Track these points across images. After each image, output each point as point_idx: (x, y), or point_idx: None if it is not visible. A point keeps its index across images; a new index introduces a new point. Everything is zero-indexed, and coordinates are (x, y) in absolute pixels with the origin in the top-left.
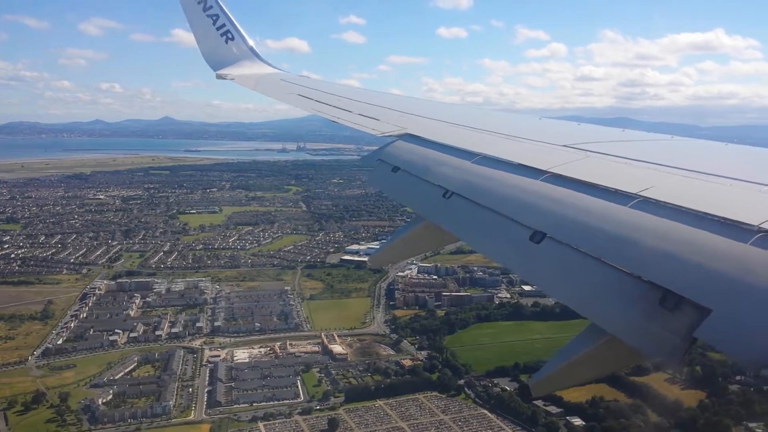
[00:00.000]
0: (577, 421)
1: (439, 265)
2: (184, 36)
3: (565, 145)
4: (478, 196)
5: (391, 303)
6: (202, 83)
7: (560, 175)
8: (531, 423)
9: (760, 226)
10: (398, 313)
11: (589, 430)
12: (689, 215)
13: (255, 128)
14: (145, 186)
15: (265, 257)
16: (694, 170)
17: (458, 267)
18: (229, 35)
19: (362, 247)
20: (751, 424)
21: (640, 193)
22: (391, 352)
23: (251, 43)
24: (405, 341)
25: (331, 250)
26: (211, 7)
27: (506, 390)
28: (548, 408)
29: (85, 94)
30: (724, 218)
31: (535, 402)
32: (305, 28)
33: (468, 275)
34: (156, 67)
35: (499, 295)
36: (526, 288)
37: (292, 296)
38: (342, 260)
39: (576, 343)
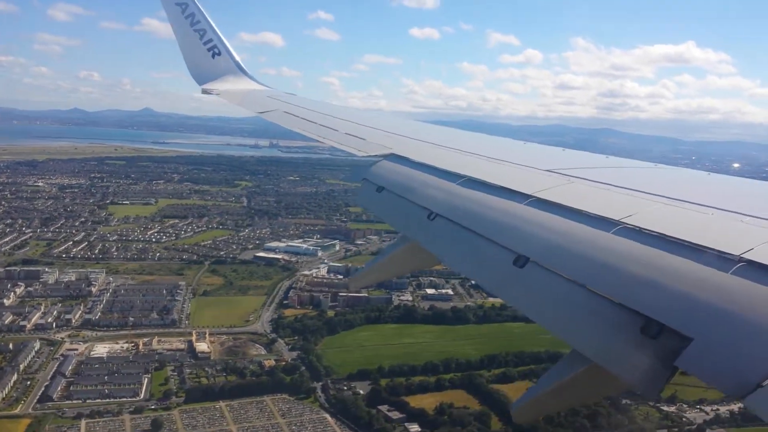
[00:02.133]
0: (414, 428)
1: (350, 265)
2: (156, 25)
3: (549, 170)
4: (463, 219)
5: (285, 302)
6: (183, 75)
7: (544, 200)
8: (367, 428)
9: (742, 255)
10: (288, 312)
11: None
12: (671, 243)
13: (236, 123)
14: (91, 175)
15: (176, 251)
16: (677, 198)
17: None
18: (216, 50)
19: (281, 245)
20: None
21: (623, 220)
22: (263, 352)
23: (238, 59)
24: (281, 341)
25: (250, 246)
26: (198, 21)
27: (358, 393)
28: (391, 413)
29: (64, 82)
30: (706, 247)
31: (380, 407)
32: (276, 22)
33: None
34: (131, 57)
35: (402, 297)
36: (430, 291)
37: (182, 292)
38: (255, 257)
39: (558, 370)
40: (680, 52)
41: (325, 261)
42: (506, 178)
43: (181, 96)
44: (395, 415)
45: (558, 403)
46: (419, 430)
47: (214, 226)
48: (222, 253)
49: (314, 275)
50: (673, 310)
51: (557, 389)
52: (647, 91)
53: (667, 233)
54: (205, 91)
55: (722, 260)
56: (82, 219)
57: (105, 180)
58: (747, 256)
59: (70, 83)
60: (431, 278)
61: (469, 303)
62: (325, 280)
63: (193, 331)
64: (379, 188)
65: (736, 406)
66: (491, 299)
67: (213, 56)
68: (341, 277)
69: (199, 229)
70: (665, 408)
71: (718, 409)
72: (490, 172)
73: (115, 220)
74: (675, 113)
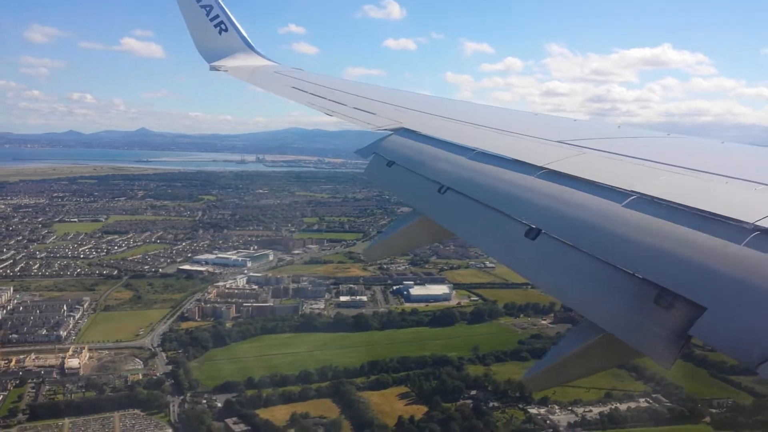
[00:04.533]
0: None
1: (269, 275)
2: (135, 44)
3: (560, 141)
4: (474, 192)
5: (185, 315)
6: (173, 94)
7: (556, 171)
8: None
9: (756, 224)
10: (186, 325)
11: None
12: (685, 213)
13: (229, 140)
14: (54, 195)
15: (100, 266)
16: (689, 168)
17: (288, 277)
18: (223, 26)
19: (211, 257)
20: None
21: (635, 190)
22: (140, 366)
23: (246, 35)
24: (163, 355)
25: (179, 259)
26: None
27: (215, 407)
28: (236, 426)
29: (59, 104)
30: (719, 216)
31: (227, 420)
32: (252, 38)
33: (296, 285)
34: (118, 77)
35: (314, 306)
36: (343, 299)
37: (82, 307)
38: (179, 270)
39: (570, 339)
40: (657, 55)
41: (245, 272)
42: (517, 150)
43: (177, 115)
44: (240, 428)
45: (570, 373)
46: None
47: (153, 240)
48: (146, 267)
49: (226, 286)
50: (686, 280)
51: (569, 359)
52: (635, 95)
53: (680, 202)
54: (213, 68)
55: (736, 229)
56: (19, 237)
57: (65, 199)
58: (762, 224)
59: (65, 106)
60: (350, 285)
61: (382, 309)
62: (235, 291)
63: (71, 347)
64: (389, 162)
65: (606, 408)
66: (408, 305)
67: (220, 32)
68: (255, 287)
69: (135, 244)
70: (534, 410)
71: (590, 410)
72: (501, 144)
73: (53, 237)
74: (666, 116)
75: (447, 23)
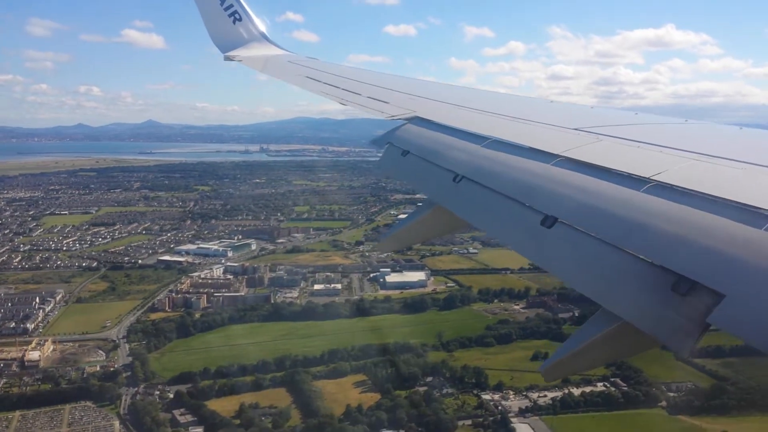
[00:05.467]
0: (198, 430)
1: (247, 264)
2: (136, 36)
3: (576, 129)
4: (489, 181)
5: (155, 306)
6: (180, 85)
7: (572, 159)
8: None
9: None
10: (156, 316)
11: None
12: (703, 200)
13: (236, 131)
14: (50, 188)
15: (81, 258)
16: (708, 154)
17: (265, 266)
18: (237, 16)
19: (192, 247)
20: None
21: (653, 178)
22: (102, 357)
23: (259, 24)
24: (126, 346)
25: (161, 250)
26: None
27: (168, 398)
28: (183, 417)
29: (67, 98)
30: (737, 203)
31: (174, 411)
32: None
33: (272, 274)
34: (123, 69)
35: (288, 295)
36: (317, 287)
37: (53, 300)
38: (158, 261)
39: (587, 328)
40: (660, 36)
41: (222, 262)
42: (533, 138)
43: (184, 106)
44: (186, 419)
45: (587, 362)
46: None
47: (139, 231)
48: (127, 258)
49: (200, 277)
50: (704, 267)
51: (587, 348)
52: (641, 77)
53: (698, 189)
54: (227, 58)
55: (755, 216)
56: (6, 231)
57: (60, 192)
58: None
59: (73, 99)
60: (327, 273)
61: (355, 297)
62: (209, 281)
63: (34, 340)
64: (404, 152)
65: (560, 393)
66: (383, 292)
67: (234, 22)
68: (230, 277)
69: (120, 236)
70: (488, 396)
71: (545, 395)
72: (517, 132)
73: (40, 230)
74: (675, 98)
75: (445, 8)
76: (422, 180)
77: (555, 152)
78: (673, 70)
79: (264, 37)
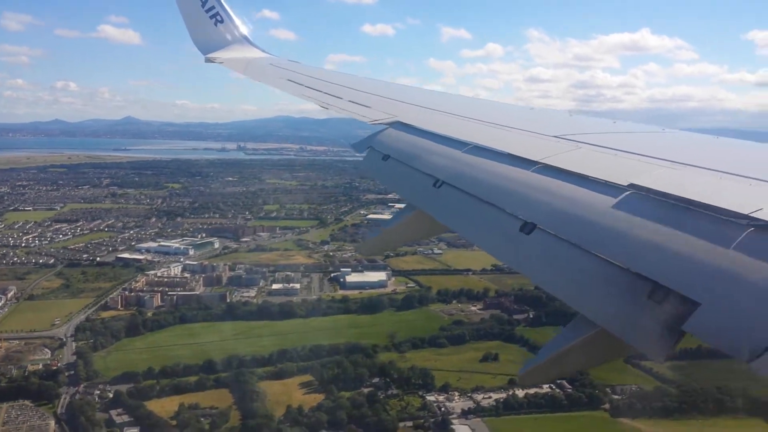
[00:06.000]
0: (133, 430)
1: (205, 263)
2: (112, 31)
3: (555, 136)
4: (469, 186)
5: (107, 304)
6: (158, 82)
7: (551, 166)
8: None
9: (750, 220)
10: (108, 314)
11: None
12: (679, 208)
13: (216, 128)
14: (17, 183)
15: (38, 255)
16: (685, 163)
17: (225, 265)
18: (218, 18)
19: (154, 245)
20: None
21: (630, 185)
22: (48, 356)
23: (241, 26)
24: (73, 345)
25: (122, 247)
26: None
27: (105, 397)
28: (119, 417)
29: (44, 93)
30: (714, 211)
31: (111, 411)
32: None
33: (231, 273)
34: (100, 65)
35: (245, 294)
36: (276, 287)
37: (4, 296)
38: (117, 258)
39: (564, 335)
40: (636, 41)
41: (181, 260)
42: (513, 144)
43: (164, 104)
44: (122, 419)
45: (564, 368)
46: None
47: (102, 228)
48: (85, 255)
49: (156, 275)
50: (680, 275)
51: (563, 354)
52: (619, 80)
53: (674, 195)
54: (208, 60)
55: (730, 224)
56: None
57: (27, 188)
58: (756, 220)
59: (50, 94)
60: (287, 273)
61: (313, 297)
62: (165, 280)
63: None
64: (384, 156)
65: (503, 395)
66: (342, 292)
67: (216, 24)
68: (187, 275)
69: (81, 233)
70: (432, 398)
71: (489, 397)
72: (497, 138)
73: (1, 226)
74: (651, 102)
75: (422, 8)
76: (403, 184)
77: (535, 159)
78: (649, 74)
79: (246, 40)
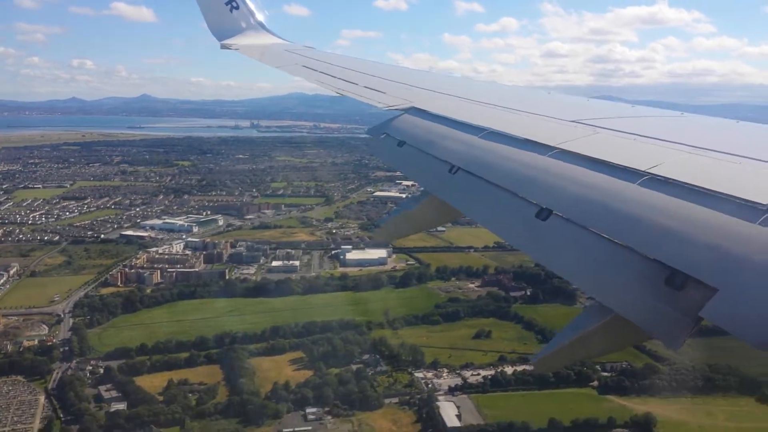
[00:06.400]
0: (121, 406)
1: (207, 240)
2: (125, 8)
3: (573, 121)
4: (485, 172)
5: (108, 281)
6: (174, 59)
7: (568, 151)
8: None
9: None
10: (107, 290)
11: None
12: (698, 193)
13: (231, 106)
14: (30, 161)
15: (44, 232)
16: (703, 147)
17: (226, 242)
18: (234, 4)
19: (158, 222)
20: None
21: (648, 171)
22: (45, 332)
23: (257, 13)
24: (70, 321)
25: (127, 225)
26: None
27: (97, 373)
28: (108, 393)
29: (61, 71)
30: (732, 196)
31: (100, 387)
32: None
33: (233, 251)
34: (115, 42)
35: (245, 271)
36: (275, 264)
37: (6, 273)
38: (121, 235)
39: (580, 321)
40: (653, 13)
41: (183, 237)
42: (529, 129)
43: (180, 81)
44: (111, 394)
45: (579, 354)
46: (123, 407)
47: (109, 206)
48: (90, 232)
49: (158, 252)
50: (698, 261)
51: (580, 340)
52: (637, 55)
53: (693, 183)
54: (224, 47)
55: (749, 210)
56: None
57: (39, 165)
58: None
59: (67, 73)
60: (288, 250)
61: (312, 274)
62: (165, 257)
63: None
64: (400, 143)
65: (491, 372)
66: (341, 269)
67: (231, 10)
68: (188, 253)
69: (89, 210)
70: (421, 374)
71: (478, 374)
72: (513, 123)
73: (10, 204)
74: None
75: None
76: (418, 171)
77: (551, 144)
78: (668, 48)
79: (261, 26)
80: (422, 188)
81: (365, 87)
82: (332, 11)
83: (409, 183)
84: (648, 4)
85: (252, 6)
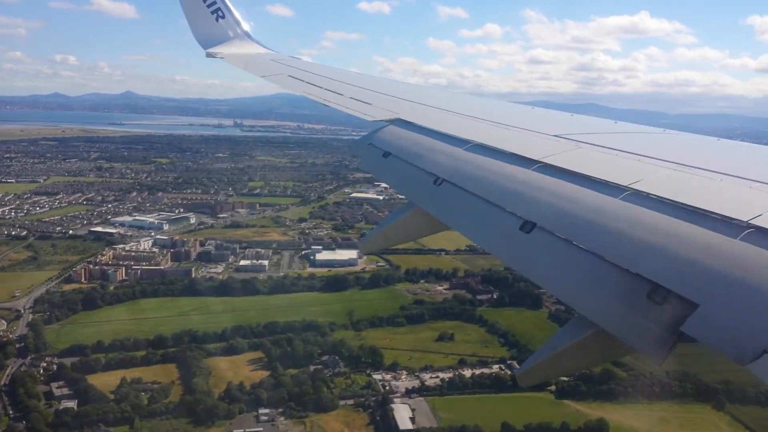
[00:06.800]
0: (70, 404)
1: (176, 238)
2: (106, 4)
3: (556, 135)
4: (469, 184)
5: (71, 277)
6: (160, 57)
7: (552, 166)
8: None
9: (750, 222)
10: (70, 287)
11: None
12: (679, 209)
13: (215, 105)
14: (5, 156)
15: (11, 227)
16: (685, 164)
17: (195, 240)
18: (219, 13)
19: (129, 219)
20: None
21: (630, 186)
22: (3, 327)
23: (243, 22)
24: (30, 317)
25: (96, 221)
26: None
27: (51, 370)
28: (60, 390)
29: (44, 66)
30: (713, 213)
31: (52, 384)
32: None
33: (201, 249)
34: (97, 38)
35: (212, 270)
36: (244, 263)
37: None
38: (89, 232)
39: (563, 334)
40: (635, 23)
41: (152, 235)
42: (513, 143)
43: (164, 78)
44: (62, 392)
45: (562, 368)
46: (72, 405)
47: (80, 202)
48: (59, 228)
49: (123, 249)
50: (679, 276)
51: (562, 354)
52: (620, 64)
53: (674, 199)
54: (209, 55)
55: (730, 226)
56: None
57: (14, 160)
58: (755, 222)
59: (49, 68)
60: (257, 249)
61: (280, 274)
62: (132, 254)
63: None
64: (385, 153)
65: (450, 375)
66: (310, 269)
67: (217, 19)
68: (156, 250)
69: (60, 205)
70: (379, 376)
71: (437, 376)
72: (497, 137)
73: None
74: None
75: None
76: (403, 182)
77: (535, 158)
78: (650, 58)
79: (247, 36)
80: (404, 197)
81: (351, 98)
82: (316, 12)
83: (386, 185)
84: (630, 14)
85: (238, 15)
